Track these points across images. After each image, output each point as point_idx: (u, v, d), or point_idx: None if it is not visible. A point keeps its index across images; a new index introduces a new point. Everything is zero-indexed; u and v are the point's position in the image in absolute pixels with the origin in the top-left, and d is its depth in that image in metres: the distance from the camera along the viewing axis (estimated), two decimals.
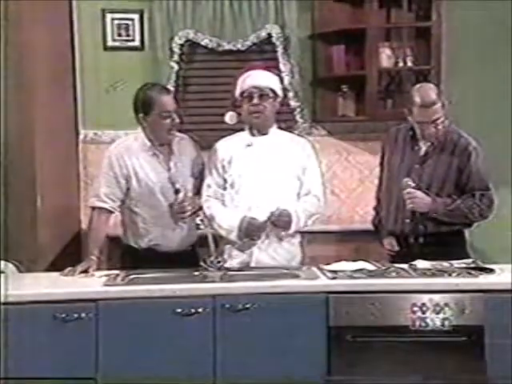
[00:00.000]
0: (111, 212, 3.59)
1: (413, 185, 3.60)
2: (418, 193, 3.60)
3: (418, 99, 3.61)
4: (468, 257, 3.54)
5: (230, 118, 3.73)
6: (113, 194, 3.57)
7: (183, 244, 3.66)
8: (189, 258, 3.62)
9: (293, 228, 3.58)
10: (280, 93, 3.71)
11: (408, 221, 3.66)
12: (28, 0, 4.34)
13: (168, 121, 3.54)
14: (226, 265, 3.47)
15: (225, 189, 3.67)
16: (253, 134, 3.69)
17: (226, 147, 3.72)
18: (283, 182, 3.63)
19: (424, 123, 3.61)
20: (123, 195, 3.59)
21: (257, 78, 3.65)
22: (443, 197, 3.63)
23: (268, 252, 3.61)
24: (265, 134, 3.68)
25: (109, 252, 4.04)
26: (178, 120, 3.61)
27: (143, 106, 3.55)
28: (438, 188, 3.65)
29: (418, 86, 3.76)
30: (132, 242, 3.64)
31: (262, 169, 3.62)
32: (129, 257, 3.65)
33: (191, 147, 3.76)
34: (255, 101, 3.59)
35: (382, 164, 3.89)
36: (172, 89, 5.07)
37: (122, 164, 3.56)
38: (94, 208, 3.59)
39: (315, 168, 3.72)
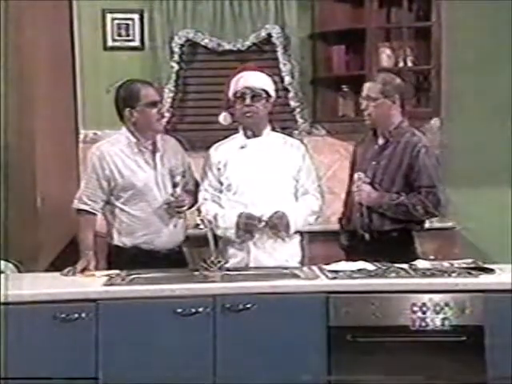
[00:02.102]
0: (94, 214, 3.60)
1: (364, 179, 3.65)
2: (365, 186, 3.65)
3: None
4: (416, 258, 3.52)
5: (223, 118, 3.77)
6: (94, 196, 3.57)
7: (171, 243, 3.66)
8: (175, 258, 3.64)
9: (292, 229, 3.60)
10: (273, 94, 3.74)
11: (358, 215, 3.69)
12: (28, 0, 4.33)
13: (155, 110, 3.56)
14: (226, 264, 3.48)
15: (221, 192, 3.70)
16: (247, 136, 3.72)
17: (220, 150, 3.75)
18: (279, 182, 3.66)
19: (361, 98, 3.74)
20: (106, 196, 3.59)
21: (249, 78, 3.67)
22: (392, 192, 3.66)
23: (267, 251, 3.62)
24: (258, 136, 3.71)
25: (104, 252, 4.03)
26: (164, 110, 3.63)
27: (129, 100, 3.56)
28: (389, 184, 3.67)
29: None
30: (118, 241, 3.63)
31: (257, 170, 3.64)
32: (114, 256, 3.63)
33: (176, 146, 3.77)
34: (247, 101, 3.62)
35: (352, 171, 3.92)
36: (172, 88, 5.11)
37: (105, 165, 3.56)
38: (77, 210, 3.60)
39: (310, 168, 3.76)
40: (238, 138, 3.75)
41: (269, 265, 3.56)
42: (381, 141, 3.76)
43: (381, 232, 3.65)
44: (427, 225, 3.81)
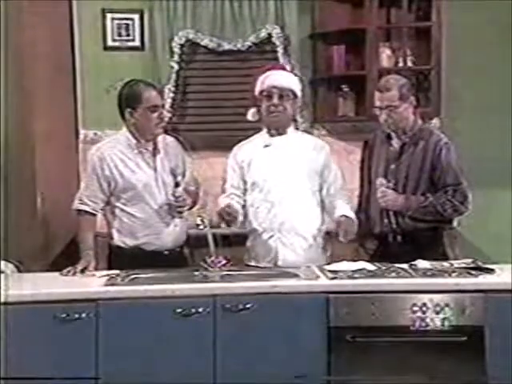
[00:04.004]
0: (94, 214, 3.60)
1: (386, 184, 3.64)
2: (391, 191, 3.63)
3: (378, 84, 3.76)
4: (446, 257, 3.57)
5: (252, 114, 3.78)
6: (94, 197, 3.56)
7: (173, 244, 3.66)
8: (176, 259, 3.64)
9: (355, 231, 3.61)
10: (299, 94, 3.74)
11: (386, 220, 3.69)
12: (28, 0, 4.33)
13: (156, 114, 3.54)
14: (261, 264, 3.59)
15: (245, 191, 3.72)
16: (271, 135, 3.73)
17: (244, 149, 3.77)
18: (303, 179, 3.66)
19: (379, 108, 3.68)
20: (106, 197, 3.59)
21: (277, 78, 3.68)
22: (418, 194, 3.65)
23: (295, 250, 3.63)
24: (282, 134, 3.72)
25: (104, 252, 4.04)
26: (165, 114, 3.63)
27: (130, 101, 3.55)
28: (414, 186, 3.67)
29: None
30: (118, 242, 3.62)
31: (282, 168, 3.65)
32: (115, 256, 3.63)
33: (176, 147, 3.76)
34: (274, 101, 3.63)
35: (362, 171, 3.92)
36: (172, 88, 5.11)
37: (105, 166, 3.55)
38: (78, 211, 3.59)
39: (335, 167, 3.76)
40: (262, 136, 3.76)
41: (296, 264, 3.53)
42: (396, 143, 3.74)
43: (413, 233, 3.64)
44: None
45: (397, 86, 3.67)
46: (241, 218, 3.63)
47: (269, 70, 3.75)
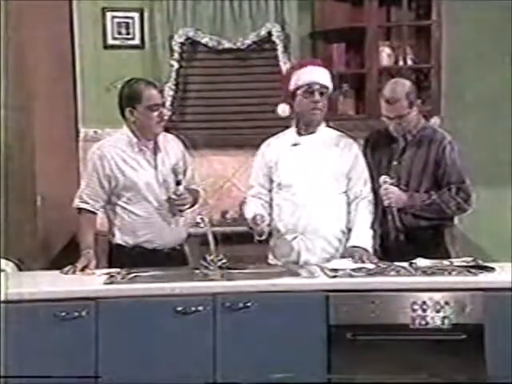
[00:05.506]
0: (94, 213, 3.60)
1: (390, 181, 3.62)
2: (394, 189, 3.62)
3: (385, 94, 3.67)
4: (448, 255, 3.57)
5: (282, 110, 3.70)
6: (95, 195, 3.56)
7: (173, 242, 3.66)
8: (177, 257, 3.65)
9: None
10: (331, 89, 3.68)
11: (389, 218, 3.67)
12: (28, 0, 4.33)
13: (156, 113, 3.54)
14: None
15: (270, 190, 3.69)
16: (300, 134, 3.68)
17: (272, 148, 3.73)
18: (330, 182, 3.61)
19: (387, 118, 3.66)
20: (107, 195, 3.58)
21: (318, 74, 3.62)
22: (421, 192, 3.65)
23: (316, 253, 3.60)
24: (312, 133, 3.67)
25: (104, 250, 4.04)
26: (165, 112, 3.64)
27: (131, 100, 3.54)
28: (416, 184, 3.67)
29: (392, 80, 3.82)
30: (119, 240, 3.62)
31: (308, 169, 3.61)
32: (115, 255, 3.63)
33: (177, 145, 3.75)
34: (316, 97, 3.57)
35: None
36: (172, 87, 5.11)
37: (105, 164, 3.55)
38: (78, 209, 3.59)
39: (363, 168, 3.68)
40: (290, 134, 3.72)
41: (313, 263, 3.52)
42: (400, 140, 3.72)
43: (415, 230, 3.64)
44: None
45: (404, 94, 3.62)
46: (267, 228, 3.55)
47: (304, 65, 3.69)
